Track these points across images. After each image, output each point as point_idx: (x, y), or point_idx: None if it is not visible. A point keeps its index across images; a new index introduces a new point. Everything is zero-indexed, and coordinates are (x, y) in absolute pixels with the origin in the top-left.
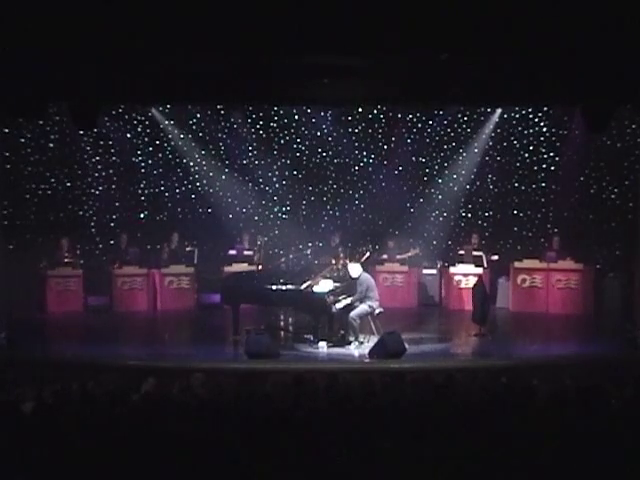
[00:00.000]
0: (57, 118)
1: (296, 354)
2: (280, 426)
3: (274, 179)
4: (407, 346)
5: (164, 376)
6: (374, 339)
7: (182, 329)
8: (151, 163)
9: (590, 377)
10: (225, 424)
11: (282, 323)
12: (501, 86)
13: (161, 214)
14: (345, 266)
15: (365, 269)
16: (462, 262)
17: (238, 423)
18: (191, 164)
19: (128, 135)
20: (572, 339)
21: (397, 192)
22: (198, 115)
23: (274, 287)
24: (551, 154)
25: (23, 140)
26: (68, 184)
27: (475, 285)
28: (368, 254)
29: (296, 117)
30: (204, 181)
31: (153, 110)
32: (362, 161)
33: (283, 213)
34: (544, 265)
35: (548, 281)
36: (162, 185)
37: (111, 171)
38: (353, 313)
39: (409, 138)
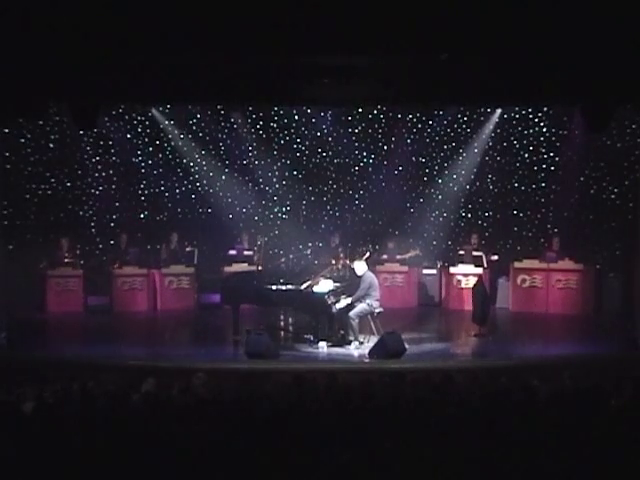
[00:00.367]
0: (57, 118)
1: (296, 354)
2: (280, 426)
3: (274, 179)
4: (407, 346)
5: (164, 376)
6: (374, 339)
7: (182, 329)
8: (151, 163)
9: (590, 377)
10: (225, 424)
11: (282, 323)
12: (501, 86)
13: (161, 214)
14: (345, 266)
15: (368, 269)
16: (462, 262)
17: (238, 423)
18: (191, 164)
19: (128, 135)
20: (572, 339)
21: (397, 192)
22: (198, 115)
23: (274, 287)
24: (551, 154)
25: (23, 140)
26: (68, 184)
27: (475, 285)
28: (368, 254)
29: (296, 117)
30: (204, 181)
31: (153, 110)
32: (362, 161)
33: (283, 213)
34: (544, 265)
35: (548, 281)
36: (162, 185)
37: (111, 171)
38: (352, 312)
39: (409, 138)
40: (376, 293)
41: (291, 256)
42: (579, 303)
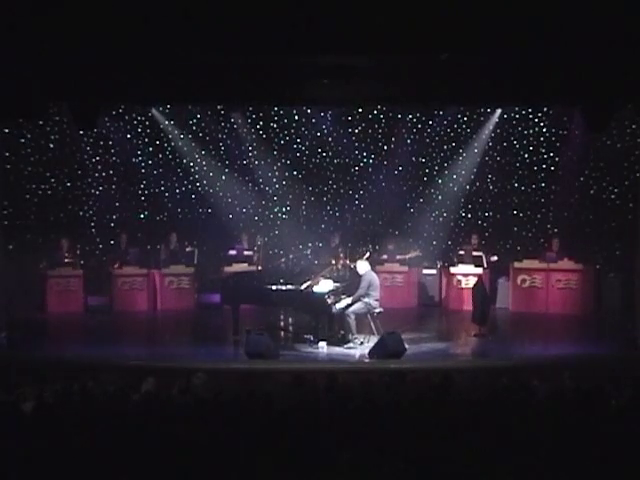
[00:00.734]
0: (57, 118)
1: (296, 354)
2: (280, 426)
3: (274, 179)
4: (407, 346)
5: (164, 376)
6: (374, 339)
7: (182, 329)
8: (151, 163)
9: (590, 377)
10: (225, 424)
11: (282, 323)
12: (501, 86)
13: (161, 214)
14: (345, 266)
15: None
16: (462, 262)
17: (238, 423)
18: (191, 164)
19: (128, 135)
20: (572, 339)
21: (397, 192)
22: (198, 115)
23: (274, 287)
24: (551, 154)
25: (23, 140)
26: (68, 184)
27: (475, 285)
28: (368, 254)
29: (296, 117)
30: (204, 181)
31: (153, 110)
32: (362, 161)
33: (283, 213)
34: (544, 265)
35: (548, 281)
36: (162, 185)
37: (111, 171)
38: (349, 310)
39: (409, 138)
40: (376, 293)
41: (291, 256)
42: (579, 303)
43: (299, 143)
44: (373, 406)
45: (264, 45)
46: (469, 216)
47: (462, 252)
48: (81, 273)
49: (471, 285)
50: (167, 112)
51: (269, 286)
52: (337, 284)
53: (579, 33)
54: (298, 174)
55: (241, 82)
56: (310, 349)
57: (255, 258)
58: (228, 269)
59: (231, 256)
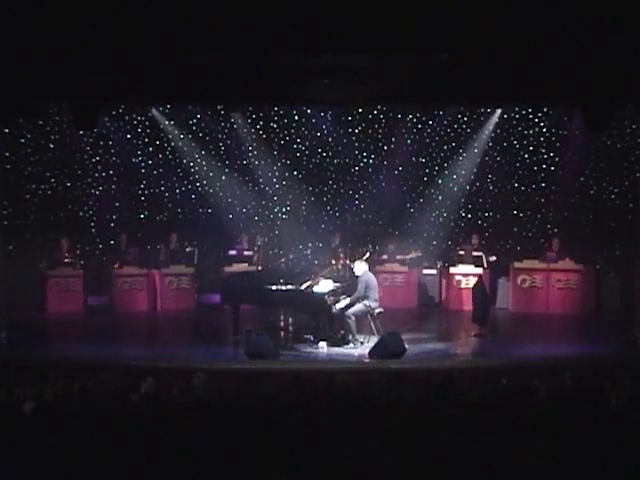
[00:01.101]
0: (57, 118)
1: (296, 354)
2: (280, 426)
3: (274, 179)
4: (407, 346)
5: (164, 376)
6: (374, 339)
7: (182, 329)
8: (151, 163)
9: (590, 377)
10: (225, 424)
11: (282, 323)
12: (501, 86)
13: (161, 214)
14: (345, 266)
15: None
16: (462, 262)
17: (238, 423)
18: (191, 164)
19: (128, 135)
20: (572, 339)
21: (397, 192)
22: (198, 115)
23: (274, 287)
24: (551, 154)
25: (23, 140)
26: (68, 184)
27: (475, 285)
28: (368, 254)
29: (296, 117)
30: (204, 181)
31: (153, 110)
32: (362, 161)
33: (283, 213)
34: (544, 265)
35: (548, 281)
36: (162, 185)
37: (111, 171)
38: (349, 311)
39: (409, 138)
40: (374, 294)
41: (291, 256)
42: (579, 303)
43: (299, 143)
44: (373, 406)
45: (264, 45)
46: (469, 216)
47: (462, 252)
48: (81, 273)
49: (471, 285)
50: (167, 112)
51: (269, 286)
52: (337, 284)
53: (579, 33)
54: (298, 174)
55: (241, 82)
56: (310, 349)
57: (255, 258)
58: (228, 269)
59: (231, 256)
